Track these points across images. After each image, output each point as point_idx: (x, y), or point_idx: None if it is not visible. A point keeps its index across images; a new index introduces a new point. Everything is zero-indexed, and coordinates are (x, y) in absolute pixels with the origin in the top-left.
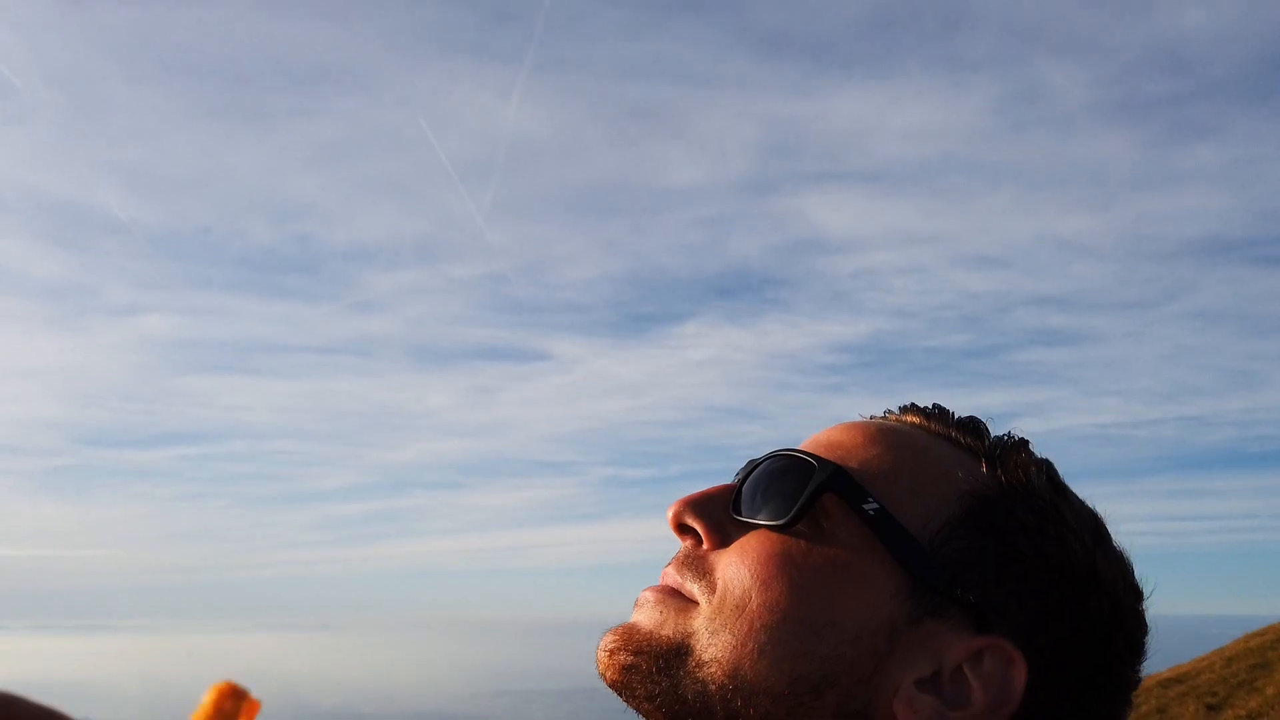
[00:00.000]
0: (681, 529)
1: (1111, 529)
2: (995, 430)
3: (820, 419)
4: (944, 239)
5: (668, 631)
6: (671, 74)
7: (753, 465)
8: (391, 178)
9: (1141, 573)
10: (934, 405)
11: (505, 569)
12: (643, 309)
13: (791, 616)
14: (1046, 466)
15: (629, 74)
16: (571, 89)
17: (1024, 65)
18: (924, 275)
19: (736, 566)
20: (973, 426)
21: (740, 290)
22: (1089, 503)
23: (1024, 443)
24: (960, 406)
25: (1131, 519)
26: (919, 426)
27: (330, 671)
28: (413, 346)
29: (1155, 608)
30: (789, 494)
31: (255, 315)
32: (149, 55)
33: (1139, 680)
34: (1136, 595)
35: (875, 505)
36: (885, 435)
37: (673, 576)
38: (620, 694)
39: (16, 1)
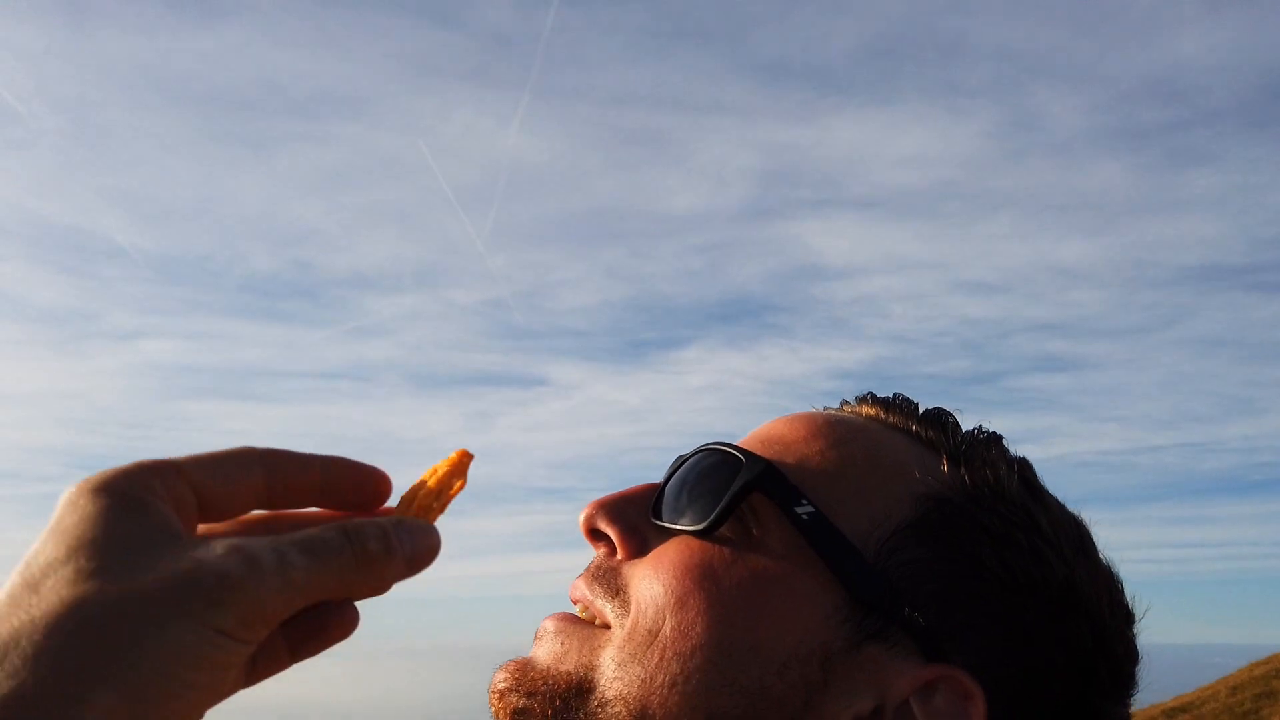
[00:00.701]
0: (594, 535)
1: (1115, 558)
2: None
3: None
4: (943, 265)
5: (568, 666)
6: (671, 101)
7: (680, 462)
8: (392, 204)
9: (1134, 593)
10: (896, 395)
11: (503, 595)
12: (642, 335)
13: (709, 642)
14: (1021, 466)
15: (629, 101)
16: (572, 115)
17: (1021, 92)
18: (923, 301)
19: (650, 581)
20: (937, 419)
21: (739, 316)
22: (1073, 510)
23: (996, 438)
24: None
25: (1134, 546)
26: (875, 419)
27: (327, 698)
28: (412, 372)
29: (1158, 636)
30: (713, 495)
31: (255, 341)
32: (152, 83)
33: (1128, 717)
34: (1125, 618)
35: (810, 509)
36: (832, 428)
37: (582, 592)
38: None
39: (22, 30)
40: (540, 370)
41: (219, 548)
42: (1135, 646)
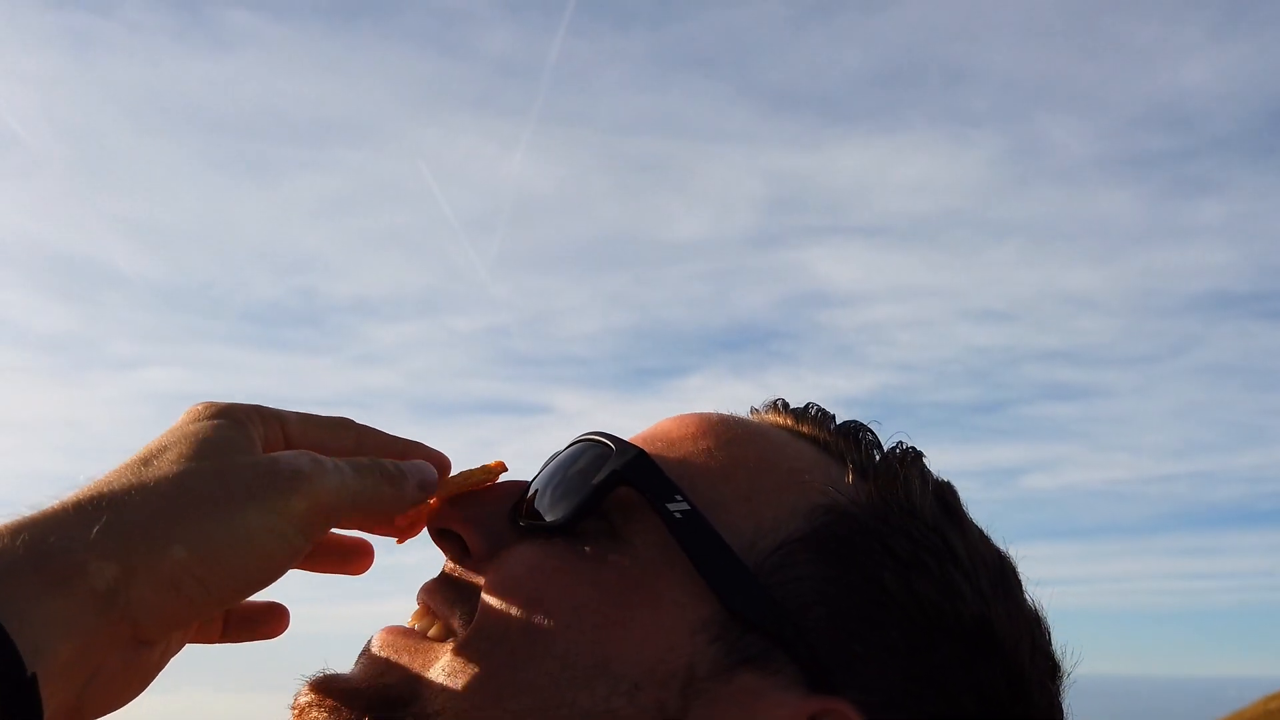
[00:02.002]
0: (442, 535)
1: (1044, 599)
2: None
3: None
4: (949, 293)
5: (389, 679)
6: (676, 128)
7: (552, 457)
8: (396, 231)
9: (1065, 645)
10: (810, 404)
11: None
12: (646, 362)
13: (548, 653)
14: (941, 487)
15: (634, 128)
16: (576, 143)
17: (1026, 120)
18: (929, 329)
19: (498, 584)
20: (852, 431)
21: (744, 344)
22: (999, 545)
23: (917, 455)
24: (969, 461)
25: (1145, 577)
26: (782, 426)
27: None
28: (414, 399)
29: (1171, 669)
30: (578, 488)
31: (256, 369)
32: (157, 110)
33: None
34: (1049, 669)
35: (685, 506)
36: (726, 427)
37: (428, 596)
38: None
39: (29, 58)
40: (543, 398)
41: (291, 453)
42: (1059, 703)
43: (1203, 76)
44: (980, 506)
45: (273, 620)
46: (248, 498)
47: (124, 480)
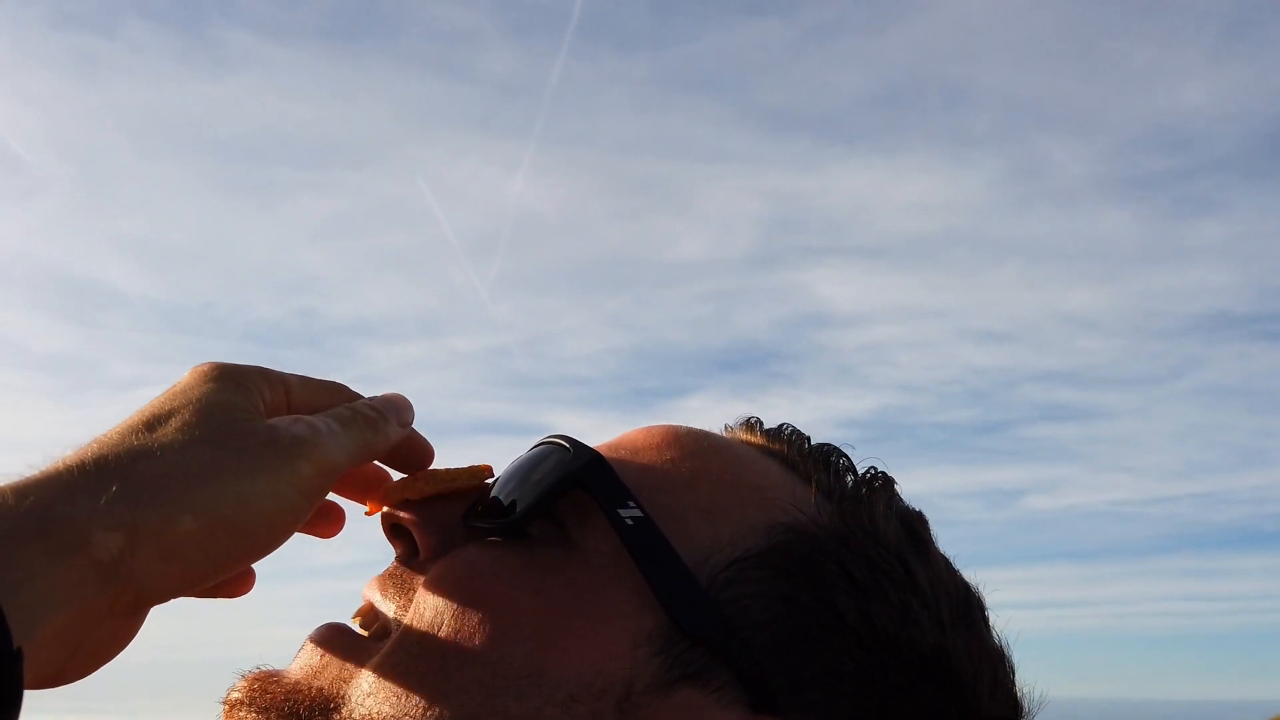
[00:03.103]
0: (394, 531)
1: (1011, 637)
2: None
3: None
4: (950, 313)
5: (321, 681)
6: (676, 149)
7: (515, 460)
8: (397, 252)
9: (1031, 685)
10: (784, 424)
11: None
12: (647, 383)
13: (483, 658)
14: (909, 515)
15: (634, 149)
16: (577, 164)
17: (1026, 141)
18: (930, 350)
19: (436, 582)
20: (823, 454)
21: (745, 364)
22: (968, 578)
23: (888, 481)
24: (970, 483)
25: (1147, 599)
26: (751, 443)
27: None
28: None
29: (1173, 692)
30: (526, 489)
31: None
32: (159, 131)
33: None
34: (1010, 706)
35: (637, 513)
36: (693, 440)
37: (373, 592)
38: None
39: (32, 79)
40: (544, 419)
41: (288, 420)
42: None
43: (1202, 98)
44: (983, 528)
45: (241, 580)
46: (256, 466)
47: (130, 445)
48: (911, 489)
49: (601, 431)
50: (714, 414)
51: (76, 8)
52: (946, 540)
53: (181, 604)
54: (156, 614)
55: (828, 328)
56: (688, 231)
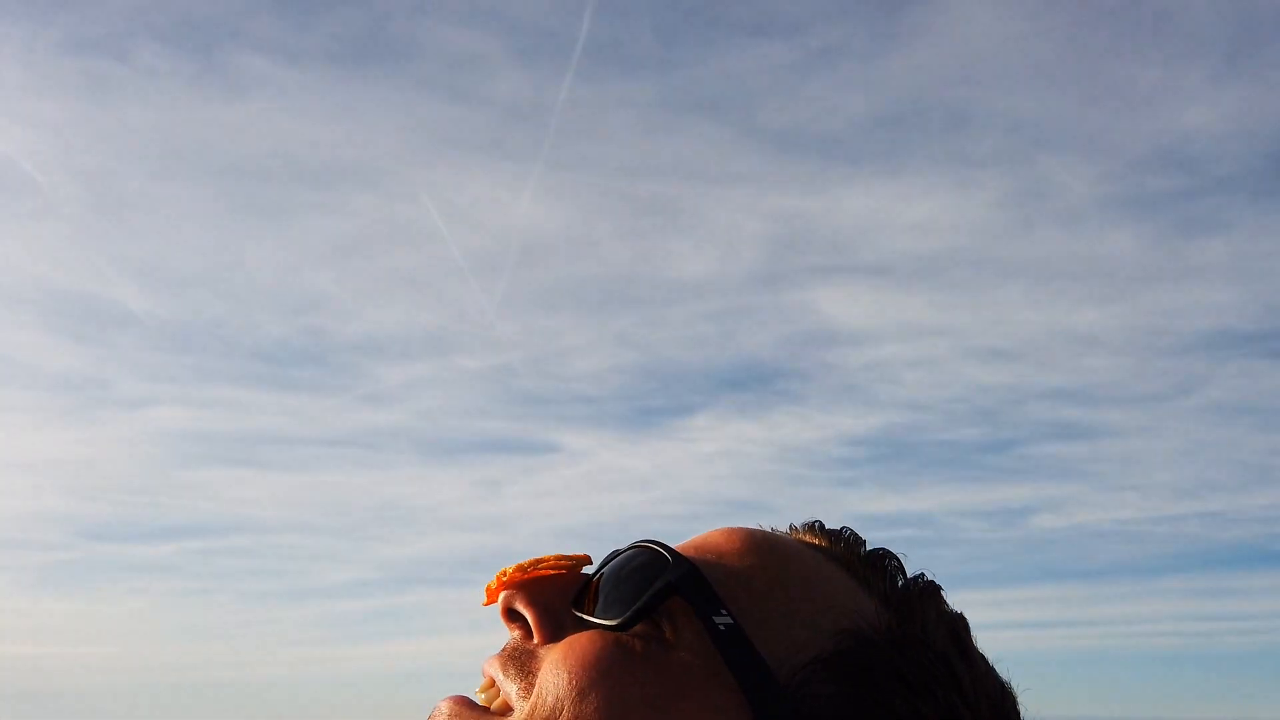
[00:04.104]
0: (511, 616)
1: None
2: (916, 572)
3: (832, 513)
4: (954, 332)
5: None
6: (682, 170)
7: (613, 555)
8: (404, 272)
9: (1041, 702)
10: (844, 528)
11: None
12: (652, 401)
13: None
14: (954, 620)
15: (640, 170)
16: (583, 185)
17: (1029, 162)
18: (935, 368)
19: (556, 668)
20: (880, 561)
21: (751, 383)
22: (1002, 676)
23: (934, 589)
24: (977, 501)
25: (1155, 619)
26: (816, 546)
27: None
28: (421, 439)
29: (1182, 713)
30: (634, 592)
31: (264, 408)
32: (171, 154)
33: None
34: None
35: (729, 620)
36: (768, 546)
37: (494, 668)
38: None
39: (45, 103)
40: (550, 437)
41: None
42: None
43: (1205, 118)
44: (989, 546)
45: None
46: None
47: None
48: (918, 508)
49: (609, 449)
50: (720, 432)
51: (90, 32)
52: (954, 559)
53: (194, 624)
54: (170, 635)
55: (833, 346)
56: (693, 251)
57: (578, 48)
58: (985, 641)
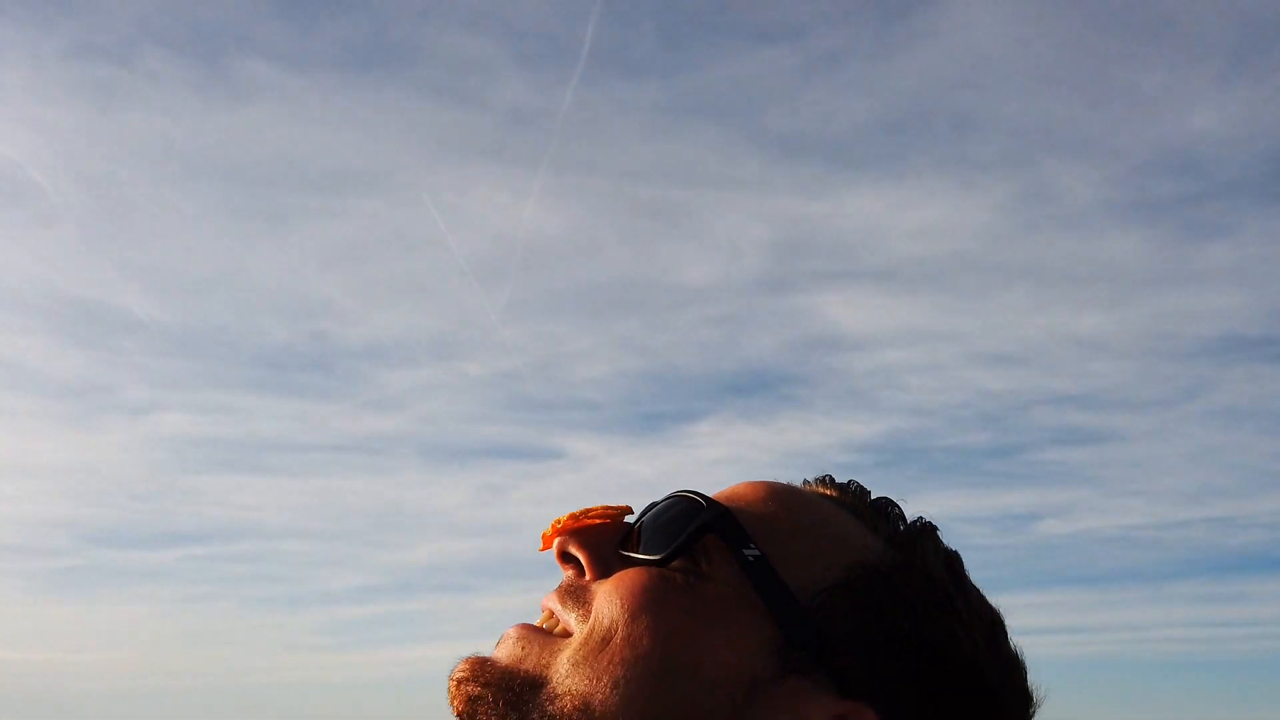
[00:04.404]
0: (565, 558)
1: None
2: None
3: None
4: (959, 337)
5: (527, 666)
6: (685, 175)
7: (652, 505)
8: (408, 277)
9: (1038, 682)
10: (850, 481)
11: None
12: (656, 406)
13: (652, 655)
14: (950, 557)
15: (644, 175)
16: (588, 190)
17: (1034, 166)
18: (940, 373)
19: (609, 597)
20: (883, 506)
21: (755, 388)
22: (992, 604)
23: (932, 529)
24: (983, 507)
25: (1163, 625)
26: (829, 496)
27: None
28: (425, 444)
29: (1190, 718)
30: (673, 532)
31: (268, 413)
32: (174, 159)
33: None
34: (1023, 700)
35: (756, 553)
36: (788, 494)
37: (553, 602)
38: None
39: (50, 109)
40: (553, 442)
41: None
42: None
43: (1210, 122)
44: (995, 552)
45: None
46: None
47: None
48: (924, 513)
49: (614, 455)
50: (725, 437)
51: (94, 38)
52: None
53: (198, 630)
54: (174, 640)
55: (837, 351)
56: (697, 256)
57: (582, 52)
58: None
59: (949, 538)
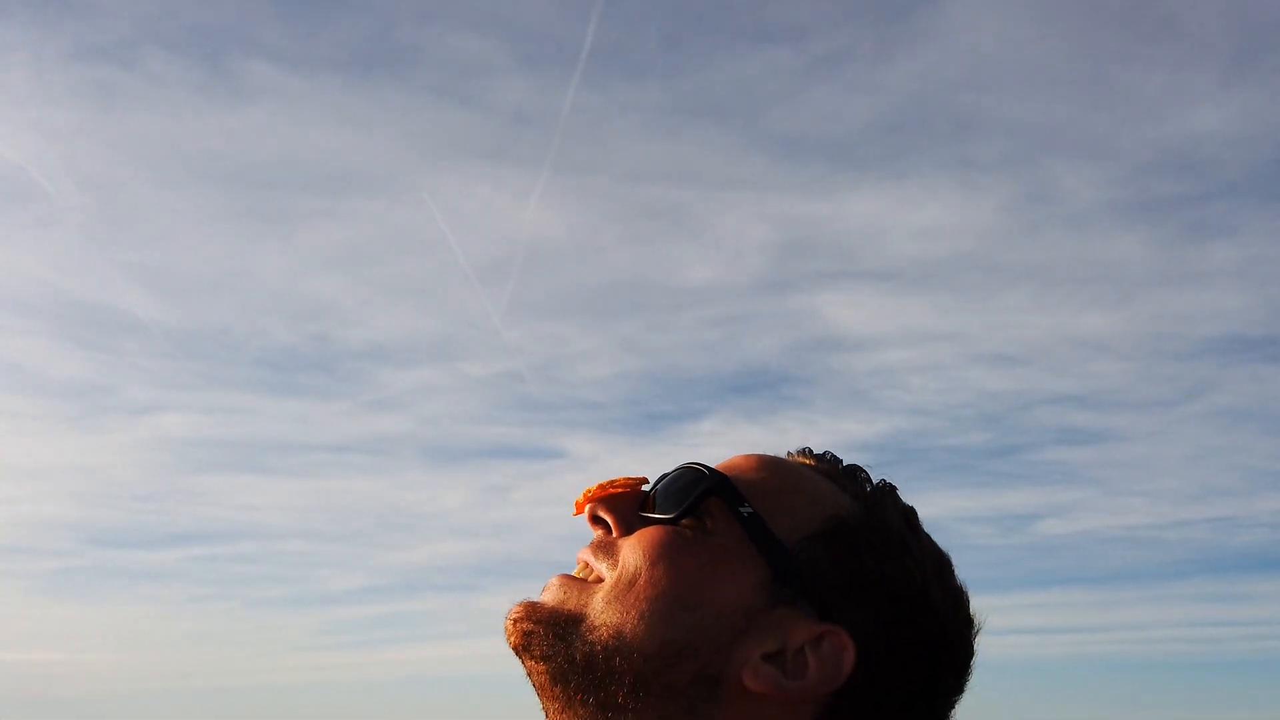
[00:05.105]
0: (595, 520)
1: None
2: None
3: None
4: (961, 337)
5: (569, 606)
6: (687, 176)
7: (664, 475)
8: (410, 278)
9: (979, 609)
10: (826, 452)
11: (518, 675)
12: (658, 407)
13: (668, 593)
14: (907, 512)
15: (645, 176)
16: (589, 191)
17: (1035, 167)
18: (942, 373)
19: (633, 549)
20: (852, 471)
21: (757, 388)
22: (943, 549)
23: (892, 489)
24: (984, 507)
25: (1164, 624)
26: (808, 464)
27: None
28: (426, 445)
29: (1191, 719)
30: (682, 496)
31: (270, 414)
32: (176, 161)
33: (961, 689)
34: (966, 623)
35: (750, 510)
36: (775, 462)
37: (587, 555)
38: (519, 655)
39: (54, 113)
40: (555, 443)
41: None
42: (971, 646)
43: (1212, 122)
44: (997, 552)
45: None
46: None
47: None
48: (925, 513)
49: (615, 455)
50: (726, 437)
51: (97, 40)
52: (960, 565)
53: (201, 630)
54: (177, 641)
55: (839, 351)
56: (698, 257)
57: (583, 53)
58: (991, 647)
59: (949, 537)
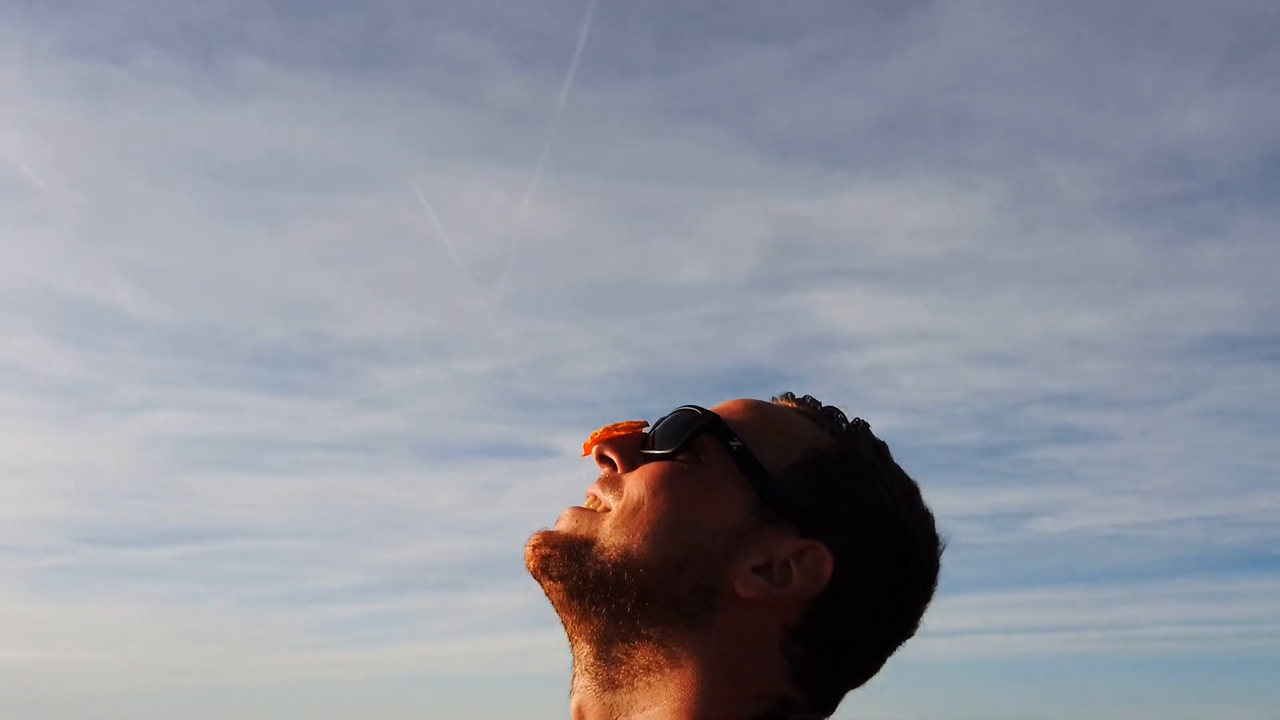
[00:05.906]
0: (601, 459)
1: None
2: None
3: None
4: (954, 336)
5: (582, 532)
6: (681, 174)
7: (662, 418)
8: (403, 276)
9: (945, 529)
10: (806, 396)
11: (511, 674)
12: (651, 405)
13: (669, 517)
14: (878, 445)
15: (639, 174)
16: (583, 189)
17: (1029, 166)
18: (934, 372)
19: (637, 481)
20: (830, 411)
21: (750, 387)
22: (910, 476)
23: (865, 425)
24: (977, 505)
25: (1155, 623)
26: (789, 406)
27: None
28: (420, 443)
29: (1181, 717)
30: (678, 434)
31: (263, 412)
32: (168, 158)
33: (928, 597)
34: (933, 540)
35: (739, 444)
36: (759, 405)
37: (595, 489)
38: (536, 576)
39: (45, 109)
40: (549, 441)
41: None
42: (936, 559)
43: (1204, 123)
44: (989, 550)
45: None
46: None
47: None
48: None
49: None
50: None
51: (88, 36)
52: (953, 563)
53: (193, 629)
54: (169, 640)
55: (832, 350)
56: (692, 255)
57: (577, 51)
58: (986, 646)
59: (944, 537)
